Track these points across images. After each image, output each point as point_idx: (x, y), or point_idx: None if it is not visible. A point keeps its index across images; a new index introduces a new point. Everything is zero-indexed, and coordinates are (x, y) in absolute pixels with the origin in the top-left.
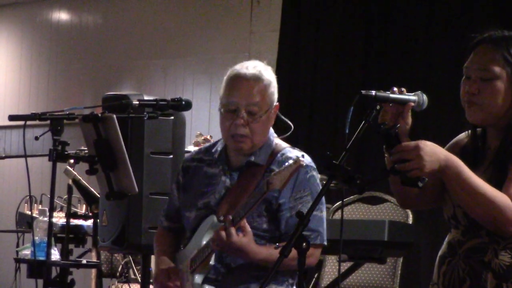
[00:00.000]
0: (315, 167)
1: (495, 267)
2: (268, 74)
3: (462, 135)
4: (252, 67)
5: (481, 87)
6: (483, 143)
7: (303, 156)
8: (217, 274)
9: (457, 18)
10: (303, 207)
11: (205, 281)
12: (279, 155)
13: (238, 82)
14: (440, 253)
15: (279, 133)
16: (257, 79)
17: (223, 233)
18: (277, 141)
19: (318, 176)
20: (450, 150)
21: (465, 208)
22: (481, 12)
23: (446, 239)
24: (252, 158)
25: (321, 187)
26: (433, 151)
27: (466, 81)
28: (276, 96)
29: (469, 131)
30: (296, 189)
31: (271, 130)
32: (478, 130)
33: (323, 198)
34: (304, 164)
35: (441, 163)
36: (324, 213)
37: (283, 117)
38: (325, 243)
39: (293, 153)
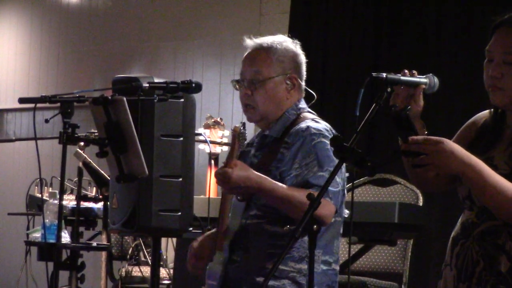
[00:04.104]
0: (325, 134)
1: (510, 250)
2: (279, 43)
3: (479, 115)
4: (262, 38)
5: (504, 71)
6: (502, 123)
7: (243, 124)
8: (237, 255)
9: (468, 1)
10: (309, 172)
11: (229, 262)
12: (295, 127)
13: (246, 54)
14: (453, 234)
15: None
16: (258, 47)
17: (219, 175)
18: (305, 114)
19: (327, 142)
20: (467, 129)
21: (489, 208)
22: None
23: (460, 220)
24: (267, 132)
25: (329, 153)
26: (452, 152)
27: (489, 64)
28: (289, 65)
29: (491, 110)
30: (301, 157)
31: (302, 102)
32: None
33: (333, 161)
34: (311, 130)
35: (463, 163)
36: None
37: (307, 88)
38: (330, 200)
39: (307, 123)
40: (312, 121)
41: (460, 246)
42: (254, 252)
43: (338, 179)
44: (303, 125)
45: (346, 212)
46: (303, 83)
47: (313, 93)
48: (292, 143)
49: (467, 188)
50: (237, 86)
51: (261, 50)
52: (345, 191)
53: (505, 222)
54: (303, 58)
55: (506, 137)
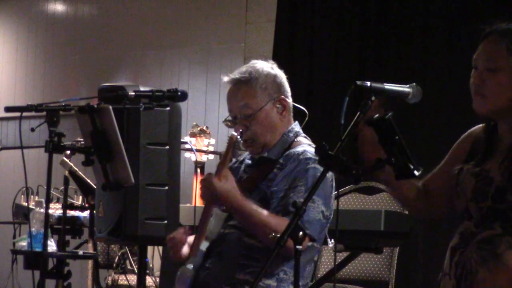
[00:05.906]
0: None
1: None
2: (256, 71)
3: (475, 128)
4: (239, 71)
5: (486, 78)
6: (495, 136)
7: (241, 133)
8: (210, 262)
9: (454, 10)
10: (294, 195)
11: (202, 269)
12: (290, 150)
13: (228, 90)
14: (451, 244)
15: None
16: (238, 82)
17: (205, 182)
18: (300, 138)
19: (320, 169)
20: (463, 142)
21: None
22: (480, 3)
23: (458, 229)
24: (265, 154)
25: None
26: None
27: (474, 72)
28: (274, 89)
29: (484, 124)
30: (292, 178)
31: (297, 126)
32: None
33: (321, 189)
34: (307, 154)
35: None
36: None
37: (297, 105)
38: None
39: (304, 147)
40: (309, 146)
41: (459, 256)
42: (226, 260)
43: (322, 207)
44: (299, 148)
45: (330, 243)
46: (290, 100)
47: (304, 109)
48: (285, 165)
49: (464, 202)
50: (230, 124)
51: (241, 85)
52: (329, 221)
53: (504, 232)
54: (282, 76)
55: (501, 149)
